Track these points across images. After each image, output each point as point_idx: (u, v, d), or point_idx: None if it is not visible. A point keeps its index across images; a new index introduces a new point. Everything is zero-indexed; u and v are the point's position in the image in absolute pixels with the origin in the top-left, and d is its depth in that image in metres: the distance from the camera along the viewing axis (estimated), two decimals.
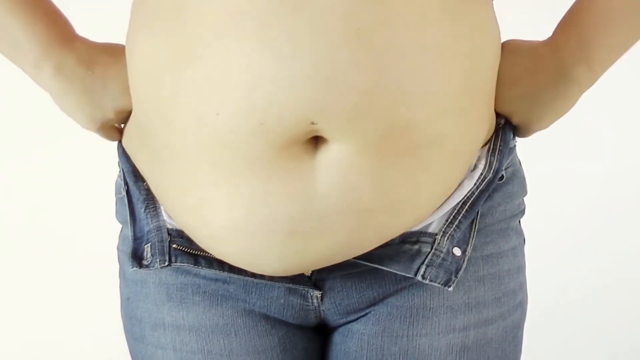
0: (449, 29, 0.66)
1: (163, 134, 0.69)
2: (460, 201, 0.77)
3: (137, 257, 0.77)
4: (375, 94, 0.62)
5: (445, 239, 0.76)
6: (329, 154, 0.66)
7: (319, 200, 0.66)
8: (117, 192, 0.84)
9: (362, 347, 0.81)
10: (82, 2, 1.57)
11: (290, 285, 0.78)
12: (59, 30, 0.75)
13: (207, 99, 0.64)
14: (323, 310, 0.81)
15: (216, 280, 0.80)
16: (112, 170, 0.86)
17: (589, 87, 0.77)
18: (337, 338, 0.84)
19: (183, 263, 0.77)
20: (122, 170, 0.80)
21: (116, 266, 0.88)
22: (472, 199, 0.77)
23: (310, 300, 0.80)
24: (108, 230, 0.97)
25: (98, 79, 0.75)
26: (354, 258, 0.74)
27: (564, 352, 1.84)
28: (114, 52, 0.76)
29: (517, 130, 0.81)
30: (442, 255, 0.76)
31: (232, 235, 0.69)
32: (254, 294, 0.80)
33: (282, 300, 0.80)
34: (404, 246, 0.76)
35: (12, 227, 1.83)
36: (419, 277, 0.75)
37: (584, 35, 0.75)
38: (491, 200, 0.80)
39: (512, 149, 0.81)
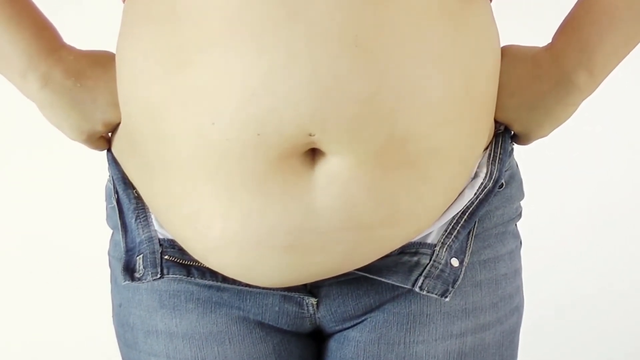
0: (448, 35, 0.65)
1: (155, 143, 0.68)
2: (460, 211, 0.76)
3: (129, 270, 0.76)
4: (375, 104, 0.61)
5: (444, 250, 0.75)
6: (327, 167, 0.64)
7: (317, 214, 0.65)
8: (108, 199, 0.82)
9: (359, 355, 0.81)
10: (71, 9, 1.56)
11: (286, 293, 0.77)
12: (45, 39, 0.73)
13: (202, 108, 0.63)
14: (319, 318, 0.80)
15: (210, 287, 0.79)
16: (104, 172, 0.85)
17: (590, 94, 0.76)
18: (333, 345, 0.83)
19: (175, 275, 0.75)
20: (112, 177, 0.79)
21: (108, 270, 0.87)
22: (471, 209, 0.76)
23: (305, 308, 0.79)
24: (101, 233, 0.95)
25: (87, 92, 0.73)
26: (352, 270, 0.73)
27: (561, 355, 1.84)
28: (103, 62, 0.74)
29: (518, 138, 0.81)
30: (440, 266, 0.75)
31: (227, 247, 0.68)
32: (248, 301, 0.79)
33: (277, 308, 0.79)
34: (403, 257, 0.75)
35: (4, 230, 1.82)
36: (417, 289, 0.75)
37: (584, 41, 0.73)
38: (489, 204, 0.79)
39: (510, 152, 0.81)
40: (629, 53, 0.76)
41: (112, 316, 0.87)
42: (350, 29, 0.60)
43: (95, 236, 1.08)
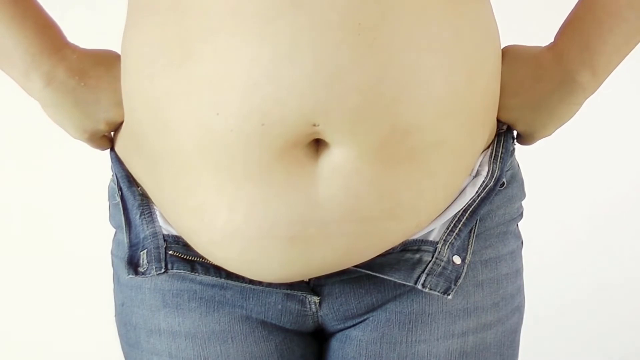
0: (451, 26, 0.65)
1: (159, 136, 0.68)
2: (462, 209, 0.76)
3: (132, 264, 0.76)
4: (377, 94, 0.61)
5: (446, 247, 0.76)
6: (330, 159, 0.65)
7: (320, 206, 0.65)
8: (111, 198, 0.82)
9: (360, 354, 0.81)
10: (76, 8, 1.56)
11: (288, 291, 0.77)
12: (49, 37, 0.73)
13: (206, 99, 0.63)
14: (321, 316, 0.80)
15: (213, 286, 0.79)
16: (107, 172, 0.85)
17: (593, 92, 0.76)
18: (335, 344, 0.83)
19: (179, 270, 0.75)
20: (116, 175, 0.79)
21: (111, 269, 0.87)
22: (472, 207, 0.76)
23: (308, 306, 0.79)
24: (104, 234, 0.95)
25: (90, 91, 0.74)
26: (354, 266, 0.73)
27: (561, 355, 1.84)
28: (106, 61, 0.75)
29: (522, 138, 0.81)
30: (442, 264, 0.75)
31: (232, 239, 0.68)
32: (251, 300, 0.79)
33: (280, 306, 0.79)
34: (405, 255, 0.75)
35: (6, 229, 1.82)
36: (419, 286, 0.75)
37: (587, 40, 0.74)
38: (491, 204, 0.80)
39: (512, 152, 0.81)
40: (630, 52, 0.76)
41: (115, 315, 0.87)
42: (353, 18, 0.60)
43: (98, 236, 1.08)
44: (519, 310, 0.85)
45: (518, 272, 0.85)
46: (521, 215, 0.86)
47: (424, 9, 0.63)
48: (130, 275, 0.76)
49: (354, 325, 0.81)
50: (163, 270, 0.75)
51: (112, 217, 0.83)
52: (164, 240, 0.76)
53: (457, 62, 0.65)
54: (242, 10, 0.61)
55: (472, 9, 0.68)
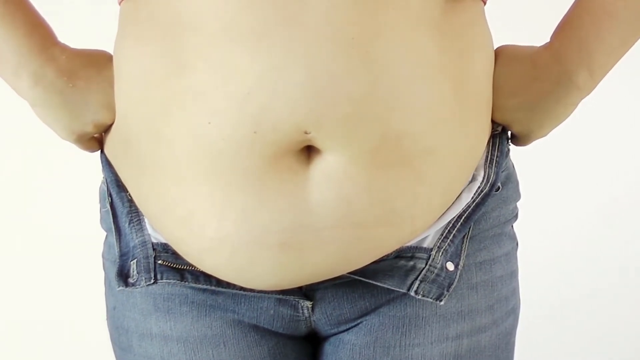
0: (439, 40, 0.66)
1: (150, 144, 0.68)
2: (457, 214, 0.75)
3: (123, 275, 0.76)
4: (369, 103, 0.62)
5: (440, 254, 0.75)
6: (322, 165, 0.65)
7: (312, 212, 0.65)
8: (102, 202, 0.82)
9: (354, 358, 0.80)
10: (68, 9, 1.55)
11: (280, 296, 0.77)
12: (38, 36, 0.72)
13: (199, 108, 0.63)
14: (314, 321, 0.80)
15: (204, 290, 0.78)
16: (99, 173, 0.84)
17: (588, 93, 0.75)
18: (328, 348, 0.83)
19: (169, 279, 0.75)
20: (106, 179, 0.79)
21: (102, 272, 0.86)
22: (467, 212, 0.76)
23: (300, 311, 0.79)
24: (96, 235, 0.95)
25: (79, 93, 0.73)
26: (348, 273, 0.73)
27: (557, 357, 1.84)
28: (97, 62, 0.74)
29: (517, 139, 0.81)
30: (436, 270, 0.75)
31: (223, 247, 0.67)
32: (243, 304, 0.79)
33: (272, 311, 0.79)
34: (399, 262, 0.75)
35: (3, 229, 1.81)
36: (412, 293, 0.74)
37: (584, 40, 0.73)
38: (485, 206, 0.79)
39: (507, 154, 0.80)
40: (625, 53, 0.76)
41: (106, 319, 0.86)
42: (347, 32, 0.61)
43: (90, 238, 1.08)
44: (514, 312, 0.85)
45: (513, 274, 0.84)
46: (516, 216, 0.85)
47: (413, 25, 0.64)
48: (121, 287, 0.76)
49: (347, 330, 0.81)
50: (152, 281, 0.75)
51: (102, 221, 0.83)
52: (153, 249, 0.76)
53: (445, 73, 0.66)
54: (238, 25, 0.62)
55: (460, 22, 0.68)
